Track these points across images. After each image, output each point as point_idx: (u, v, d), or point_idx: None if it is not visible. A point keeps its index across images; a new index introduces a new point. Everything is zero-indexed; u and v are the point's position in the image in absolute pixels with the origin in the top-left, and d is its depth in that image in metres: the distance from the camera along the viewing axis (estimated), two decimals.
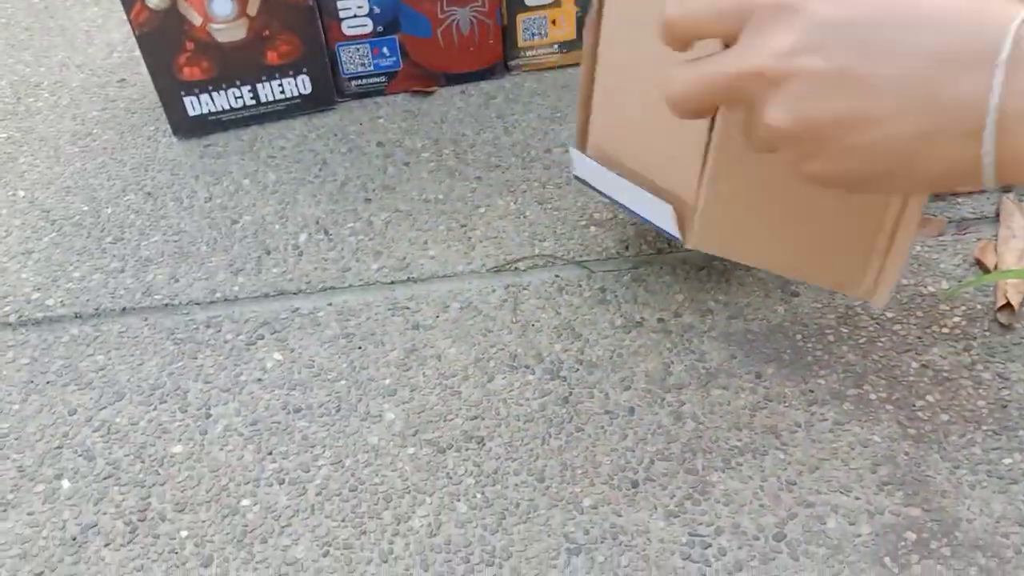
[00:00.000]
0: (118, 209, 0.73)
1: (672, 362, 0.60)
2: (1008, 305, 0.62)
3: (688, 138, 0.55)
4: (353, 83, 0.82)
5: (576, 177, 0.63)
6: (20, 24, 0.95)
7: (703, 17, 0.35)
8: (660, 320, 0.63)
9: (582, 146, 0.64)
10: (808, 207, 0.54)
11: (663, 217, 0.57)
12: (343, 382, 0.60)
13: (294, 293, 0.66)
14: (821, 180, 0.35)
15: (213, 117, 0.79)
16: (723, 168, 0.54)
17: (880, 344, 0.61)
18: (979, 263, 0.65)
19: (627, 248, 0.68)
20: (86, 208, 0.73)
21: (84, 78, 0.87)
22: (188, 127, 0.79)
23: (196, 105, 0.77)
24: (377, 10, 0.77)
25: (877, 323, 0.62)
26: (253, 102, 0.79)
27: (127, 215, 0.73)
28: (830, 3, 0.33)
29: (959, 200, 0.70)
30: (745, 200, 0.55)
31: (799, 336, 0.62)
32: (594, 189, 0.62)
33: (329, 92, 0.81)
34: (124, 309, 0.65)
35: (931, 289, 0.64)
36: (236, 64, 0.76)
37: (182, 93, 0.76)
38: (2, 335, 0.64)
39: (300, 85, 0.79)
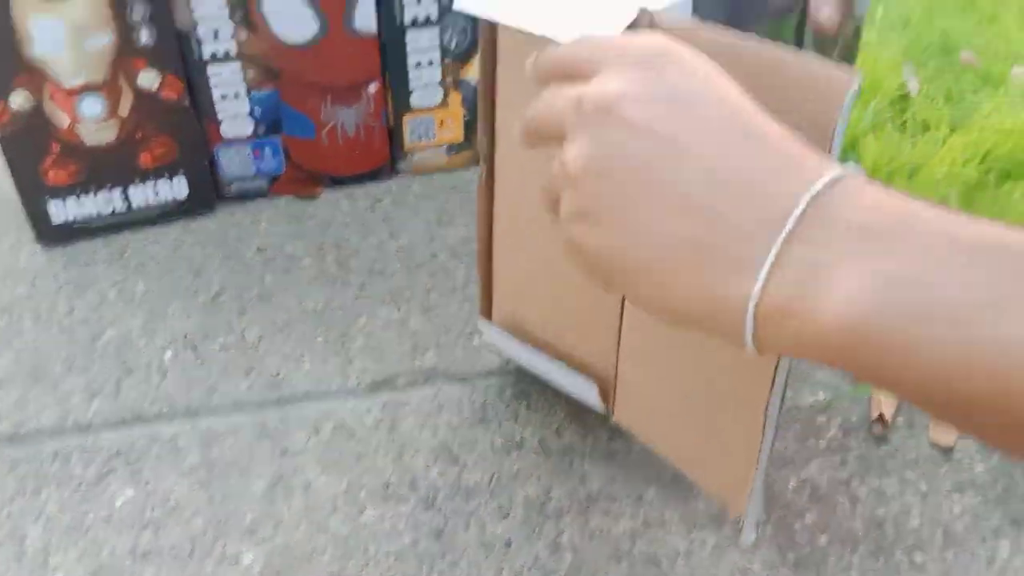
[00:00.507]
0: None
1: (552, 486, 0.58)
2: (881, 417, 0.62)
3: (601, 311, 0.54)
4: (234, 186, 0.79)
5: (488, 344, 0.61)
6: None
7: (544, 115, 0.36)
8: (541, 440, 0.61)
9: (487, 315, 0.62)
10: (705, 401, 0.51)
11: (585, 391, 0.57)
12: (200, 520, 0.56)
13: (154, 418, 0.62)
14: (582, 252, 0.34)
15: (80, 224, 0.75)
16: (636, 345, 0.54)
17: None
18: None
19: (510, 361, 0.66)
20: None
21: None
22: (53, 235, 0.75)
23: (62, 211, 0.73)
24: (258, 111, 0.75)
25: None
26: (125, 207, 0.75)
27: None
28: (686, 73, 0.33)
29: None
30: (655, 382, 0.54)
31: None
32: (509, 357, 0.60)
33: (208, 196, 0.78)
34: None
35: (808, 401, 0.63)
36: (106, 167, 0.73)
37: (47, 198, 0.72)
38: None
39: (176, 188, 0.76)
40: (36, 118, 0.69)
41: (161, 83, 0.70)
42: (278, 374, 0.65)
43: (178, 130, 0.73)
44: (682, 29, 0.41)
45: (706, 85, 0.32)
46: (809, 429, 0.61)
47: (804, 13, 0.55)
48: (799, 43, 0.59)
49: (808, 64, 0.37)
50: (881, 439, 0.61)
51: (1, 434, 0.60)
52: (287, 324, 0.69)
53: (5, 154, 0.70)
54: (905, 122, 0.96)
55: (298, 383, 0.64)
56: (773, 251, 0.29)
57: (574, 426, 0.62)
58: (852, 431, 0.61)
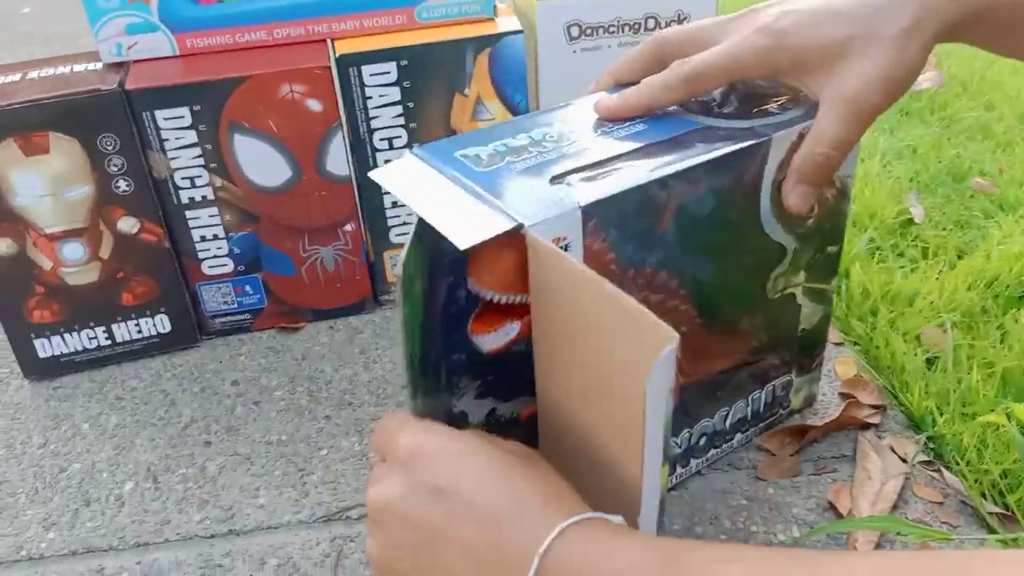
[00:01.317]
0: None
1: None
2: None
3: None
4: (217, 320, 0.81)
5: None
6: None
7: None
8: None
9: None
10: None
11: None
12: None
13: (104, 550, 0.61)
14: None
15: (66, 358, 0.77)
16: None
17: None
18: (832, 507, 0.61)
19: None
20: None
21: None
22: (39, 369, 0.77)
23: (47, 347, 0.76)
24: (237, 250, 0.78)
25: None
26: (108, 342, 0.78)
27: None
28: (437, 471, 0.43)
29: (816, 438, 0.67)
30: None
31: None
32: None
33: (189, 331, 0.80)
34: None
35: (781, 537, 0.59)
36: (89, 306, 0.76)
37: (32, 335, 0.76)
38: None
39: (158, 324, 0.79)
40: (20, 262, 0.73)
41: (140, 228, 0.74)
42: (231, 507, 0.64)
43: (158, 270, 0.76)
44: (545, 253, 0.44)
45: (454, 473, 0.43)
46: None
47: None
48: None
49: (637, 314, 0.39)
50: None
51: None
52: (248, 456, 0.69)
53: None
54: (903, 250, 0.94)
55: (251, 516, 0.63)
56: None
57: None
58: None
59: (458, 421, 0.62)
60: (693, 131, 0.52)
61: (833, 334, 0.78)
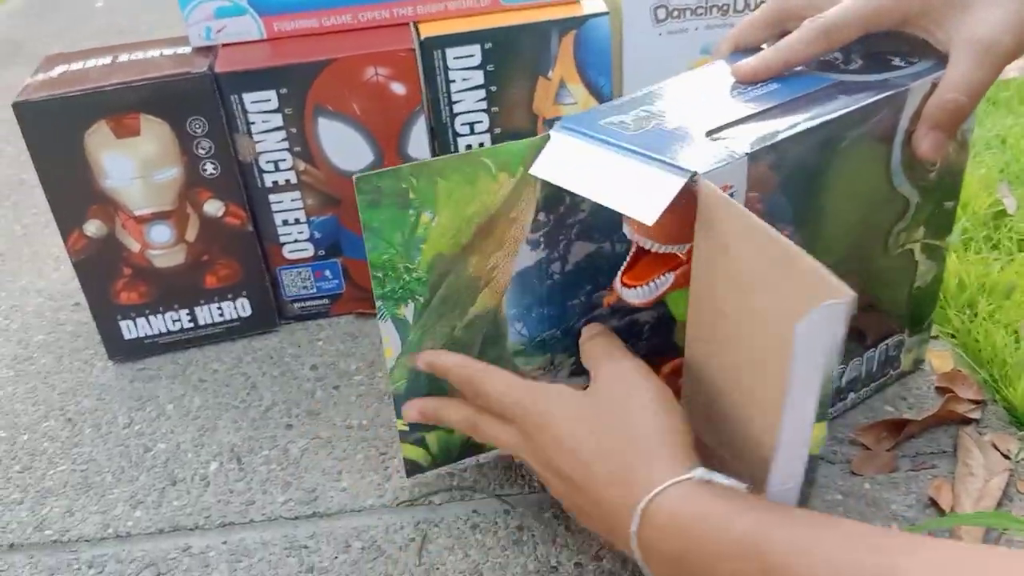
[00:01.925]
0: (34, 436, 0.71)
1: None
2: None
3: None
4: (296, 305, 0.82)
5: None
6: None
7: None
8: (577, 565, 0.57)
9: None
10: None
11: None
12: None
13: (190, 529, 0.62)
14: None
15: (150, 340, 0.78)
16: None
17: None
18: (934, 503, 0.59)
19: None
20: (4, 435, 0.72)
21: (40, 302, 0.88)
22: (124, 351, 0.78)
23: (132, 329, 0.77)
24: (318, 235, 0.78)
25: None
26: (191, 325, 0.79)
27: (42, 442, 0.70)
28: (548, 448, 0.51)
29: (914, 433, 0.64)
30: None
31: None
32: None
33: (270, 315, 0.80)
34: (12, 545, 0.61)
35: None
36: (174, 288, 0.77)
37: (118, 317, 0.77)
38: None
39: (240, 308, 0.79)
40: (109, 244, 0.74)
41: (225, 211, 0.75)
42: (315, 490, 0.64)
43: (242, 254, 0.77)
44: (715, 201, 0.44)
45: (559, 446, 0.50)
46: None
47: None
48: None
49: (804, 263, 0.39)
50: None
51: (45, 541, 0.61)
52: (330, 440, 0.68)
53: (80, 277, 0.75)
54: (998, 242, 0.90)
55: (334, 499, 0.63)
56: (634, 543, 0.45)
57: (615, 551, 0.57)
58: None
59: None
60: (830, 86, 0.53)
61: None
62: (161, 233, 0.74)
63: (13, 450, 0.70)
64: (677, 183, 0.45)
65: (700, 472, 0.44)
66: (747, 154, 0.46)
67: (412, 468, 0.63)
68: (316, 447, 0.68)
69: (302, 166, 0.74)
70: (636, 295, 0.52)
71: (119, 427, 0.72)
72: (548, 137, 0.53)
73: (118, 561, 0.60)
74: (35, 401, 0.75)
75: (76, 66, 0.72)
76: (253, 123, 0.72)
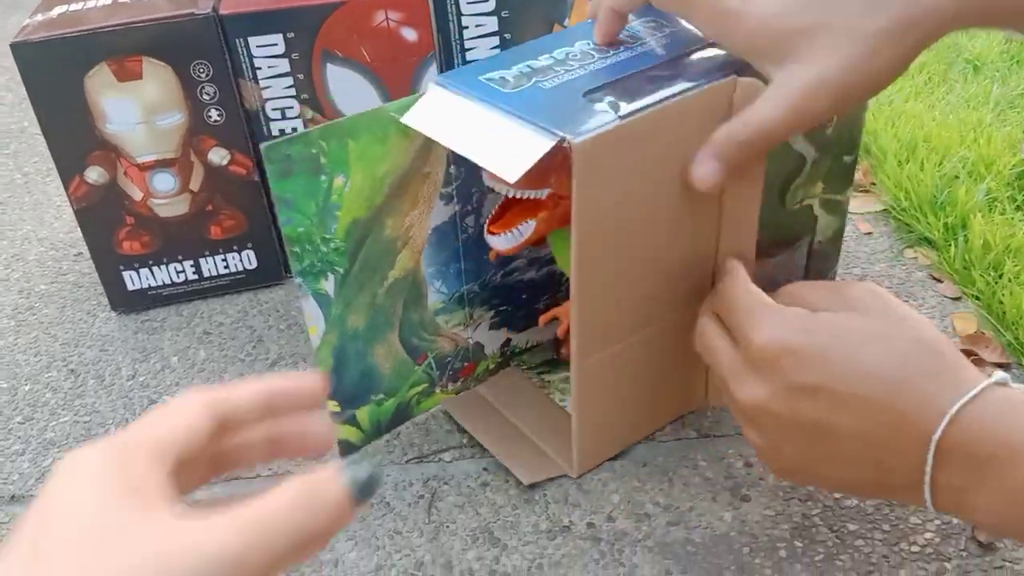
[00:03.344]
0: (36, 387, 0.70)
1: None
2: None
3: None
4: None
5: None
6: None
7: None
8: (590, 525, 0.56)
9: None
10: (653, 377, 0.59)
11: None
12: None
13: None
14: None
15: (153, 292, 0.77)
16: (581, 401, 0.56)
17: (839, 563, 0.52)
18: None
19: None
20: (5, 385, 0.70)
21: (42, 251, 0.87)
22: (127, 302, 0.77)
23: (135, 280, 0.76)
24: None
25: (837, 537, 0.54)
26: (196, 277, 0.77)
27: (44, 393, 0.69)
28: (805, 371, 0.44)
29: None
30: (607, 409, 0.58)
31: (747, 549, 0.54)
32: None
33: (275, 268, 0.78)
34: (13, 496, 0.60)
35: None
36: (178, 238, 0.75)
37: (121, 267, 0.75)
38: None
39: (245, 260, 0.77)
40: (111, 191, 0.72)
41: (230, 159, 0.72)
42: None
43: (247, 204, 0.75)
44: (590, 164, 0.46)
45: (825, 370, 0.44)
46: (900, 531, 0.54)
47: None
48: None
49: None
50: (985, 547, 0.53)
51: None
52: None
53: (81, 226, 0.73)
54: (1023, 203, 0.88)
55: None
56: (926, 491, 0.42)
57: (628, 510, 0.56)
58: (951, 536, 0.53)
59: (475, 354, 0.65)
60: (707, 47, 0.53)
61: (949, 287, 0.73)
62: (164, 181, 0.72)
63: (15, 401, 0.69)
64: (544, 145, 0.45)
65: (1001, 375, 0.42)
66: (619, 117, 0.46)
67: (346, 448, 0.61)
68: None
69: (309, 114, 0.72)
70: (501, 242, 0.54)
71: (123, 379, 0.70)
72: None
73: None
74: (37, 352, 0.74)
75: (76, 7, 0.70)
76: (259, 68, 0.69)
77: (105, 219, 0.73)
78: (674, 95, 0.48)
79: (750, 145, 0.47)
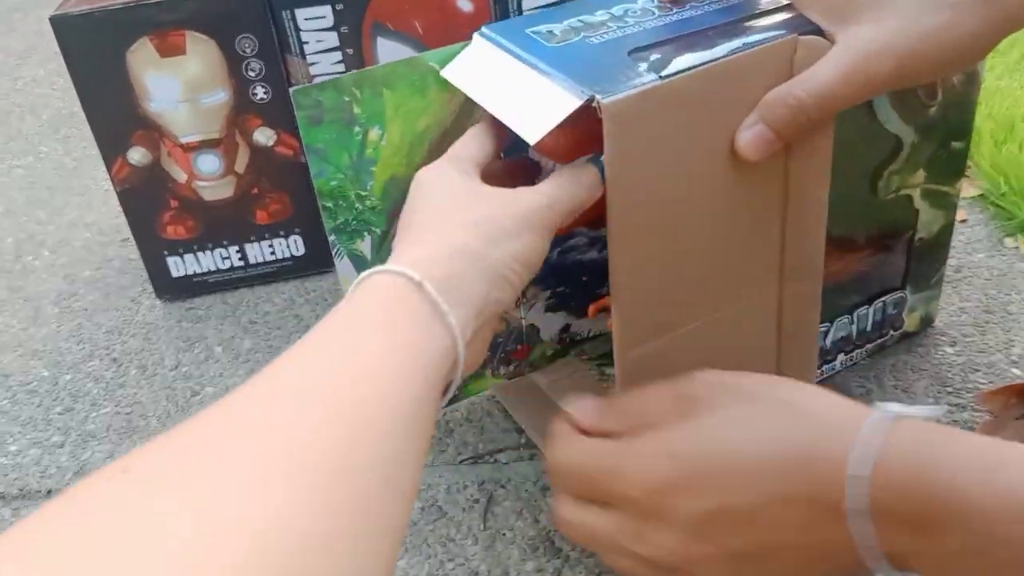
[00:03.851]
0: (78, 376, 0.67)
1: None
2: None
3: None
4: None
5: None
6: (44, 183, 0.95)
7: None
8: None
9: None
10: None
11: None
12: None
13: None
14: None
15: (198, 279, 0.74)
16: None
17: None
18: None
19: None
20: (46, 374, 0.68)
21: (89, 237, 0.85)
22: (172, 289, 0.74)
23: (180, 266, 0.73)
24: None
25: None
26: (241, 263, 0.74)
27: (85, 383, 0.67)
28: (694, 499, 0.37)
29: None
30: None
31: None
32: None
33: (323, 255, 0.75)
34: (50, 491, 0.58)
35: None
36: (223, 223, 0.72)
37: (165, 253, 0.72)
38: None
39: (292, 246, 0.74)
40: (154, 173, 0.69)
41: (276, 140, 0.69)
42: None
43: (294, 187, 0.71)
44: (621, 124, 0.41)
45: (717, 505, 0.37)
46: None
47: None
48: None
49: None
50: None
51: None
52: None
53: (124, 209, 0.70)
54: None
55: None
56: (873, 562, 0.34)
57: None
58: None
59: (529, 337, 0.60)
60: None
61: None
62: (209, 163, 0.69)
63: (55, 390, 0.66)
64: (571, 104, 0.40)
65: (893, 406, 0.36)
66: (660, 77, 0.41)
67: None
68: None
69: None
70: None
71: (166, 369, 0.68)
72: None
73: None
74: (80, 339, 0.71)
75: None
76: (306, 43, 0.65)
77: (148, 202, 0.70)
78: (727, 55, 0.42)
79: (804, 110, 0.42)
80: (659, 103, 0.41)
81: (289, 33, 0.65)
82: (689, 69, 0.41)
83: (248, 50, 0.65)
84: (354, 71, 0.46)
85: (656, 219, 0.45)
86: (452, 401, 0.59)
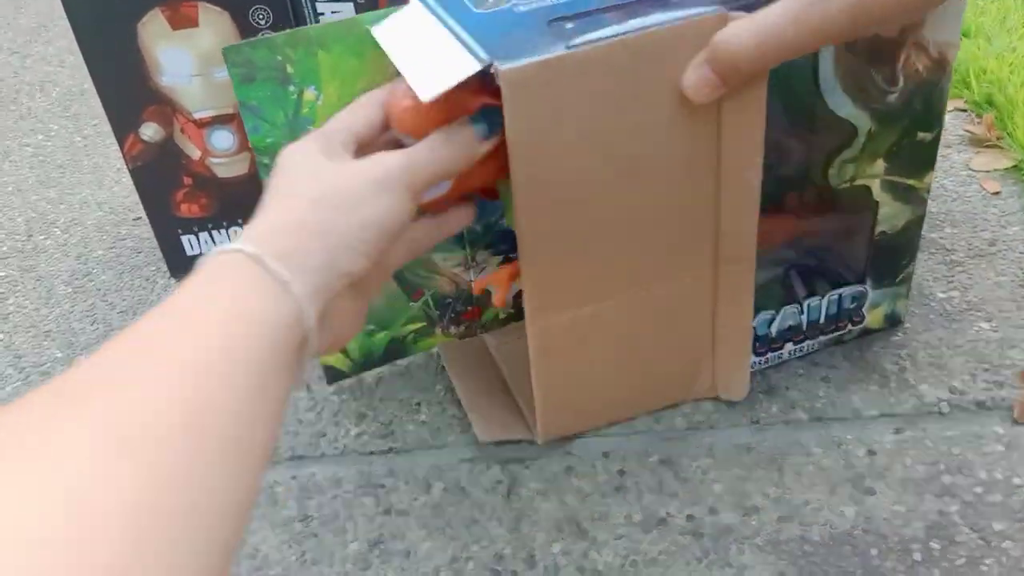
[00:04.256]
0: None
1: None
2: None
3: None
4: None
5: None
6: (55, 162, 0.93)
7: None
8: (690, 518, 0.50)
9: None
10: (634, 352, 0.53)
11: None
12: None
13: None
14: None
15: None
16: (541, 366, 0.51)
17: (984, 568, 0.45)
18: None
19: (657, 421, 0.56)
20: (60, 355, 0.67)
21: (101, 216, 0.83)
22: (186, 267, 0.72)
23: (195, 244, 0.71)
24: None
25: (982, 538, 0.47)
26: None
27: None
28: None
29: None
30: (575, 378, 0.53)
31: (874, 551, 0.47)
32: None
33: None
34: None
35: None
36: (237, 201, 0.70)
37: (179, 231, 0.71)
38: None
39: None
40: (167, 150, 0.67)
41: None
42: (390, 423, 0.58)
43: None
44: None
45: None
46: None
47: None
48: None
49: None
50: None
51: None
52: (406, 370, 0.62)
53: (137, 187, 0.69)
54: None
55: (412, 432, 0.57)
56: None
57: (733, 503, 0.50)
58: None
59: (480, 300, 0.59)
60: None
61: None
62: (223, 139, 0.67)
63: None
64: (468, 68, 0.39)
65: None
66: (567, 47, 0.40)
67: (333, 375, 0.59)
68: (392, 376, 0.62)
69: None
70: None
71: None
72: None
73: None
74: (93, 320, 0.70)
75: None
76: (321, 13, 0.63)
77: (162, 179, 0.68)
78: (647, 27, 0.41)
79: (752, 51, 0.40)
80: (563, 73, 0.40)
81: (304, 3, 0.63)
82: (601, 40, 0.40)
83: (262, 21, 0.63)
84: (287, 30, 0.46)
85: (564, 191, 0.44)
86: (402, 354, 0.59)
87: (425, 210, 0.45)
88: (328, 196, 0.37)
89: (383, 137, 0.43)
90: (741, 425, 0.55)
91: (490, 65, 0.39)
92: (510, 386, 0.58)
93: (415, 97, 0.40)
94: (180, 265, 0.73)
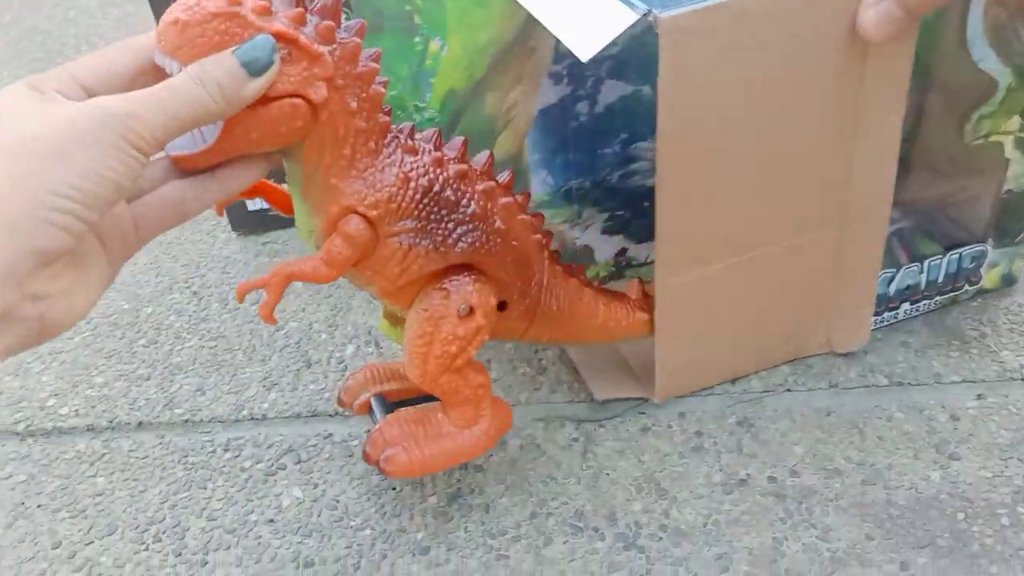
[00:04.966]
0: (159, 309, 0.66)
1: (786, 538, 0.46)
2: None
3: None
4: None
5: None
6: None
7: None
8: (771, 479, 0.49)
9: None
10: (755, 310, 0.52)
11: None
12: (368, 531, 0.49)
13: (330, 416, 0.56)
14: None
15: (275, 212, 0.72)
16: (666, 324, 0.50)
17: None
18: None
19: (734, 382, 0.55)
20: (127, 306, 0.67)
21: None
22: (248, 222, 0.72)
23: (259, 200, 0.71)
24: None
25: None
26: None
27: (167, 316, 0.66)
28: None
29: None
30: (696, 337, 0.52)
31: (961, 515, 0.46)
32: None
33: None
34: (140, 423, 0.57)
35: None
36: None
37: None
38: (6, 445, 0.57)
39: None
40: None
41: None
42: None
43: None
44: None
45: None
46: None
47: None
48: None
49: None
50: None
51: (176, 419, 0.57)
52: None
53: None
54: None
55: None
56: None
57: (815, 465, 0.50)
58: None
59: (582, 257, 0.59)
60: None
61: None
62: None
63: (137, 323, 0.65)
64: (628, 18, 0.38)
65: None
66: None
67: None
68: None
69: None
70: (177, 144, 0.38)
71: (246, 303, 0.66)
72: None
73: (255, 445, 0.55)
74: (158, 272, 0.70)
75: None
76: None
77: None
78: None
79: None
80: (723, 21, 0.39)
81: None
82: None
83: None
84: None
85: (708, 142, 0.43)
86: None
87: (189, 166, 0.37)
88: (15, 153, 0.29)
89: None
90: (819, 389, 0.54)
91: (648, 13, 0.38)
92: (617, 346, 0.57)
93: (190, 7, 0.33)
94: (241, 219, 0.72)
